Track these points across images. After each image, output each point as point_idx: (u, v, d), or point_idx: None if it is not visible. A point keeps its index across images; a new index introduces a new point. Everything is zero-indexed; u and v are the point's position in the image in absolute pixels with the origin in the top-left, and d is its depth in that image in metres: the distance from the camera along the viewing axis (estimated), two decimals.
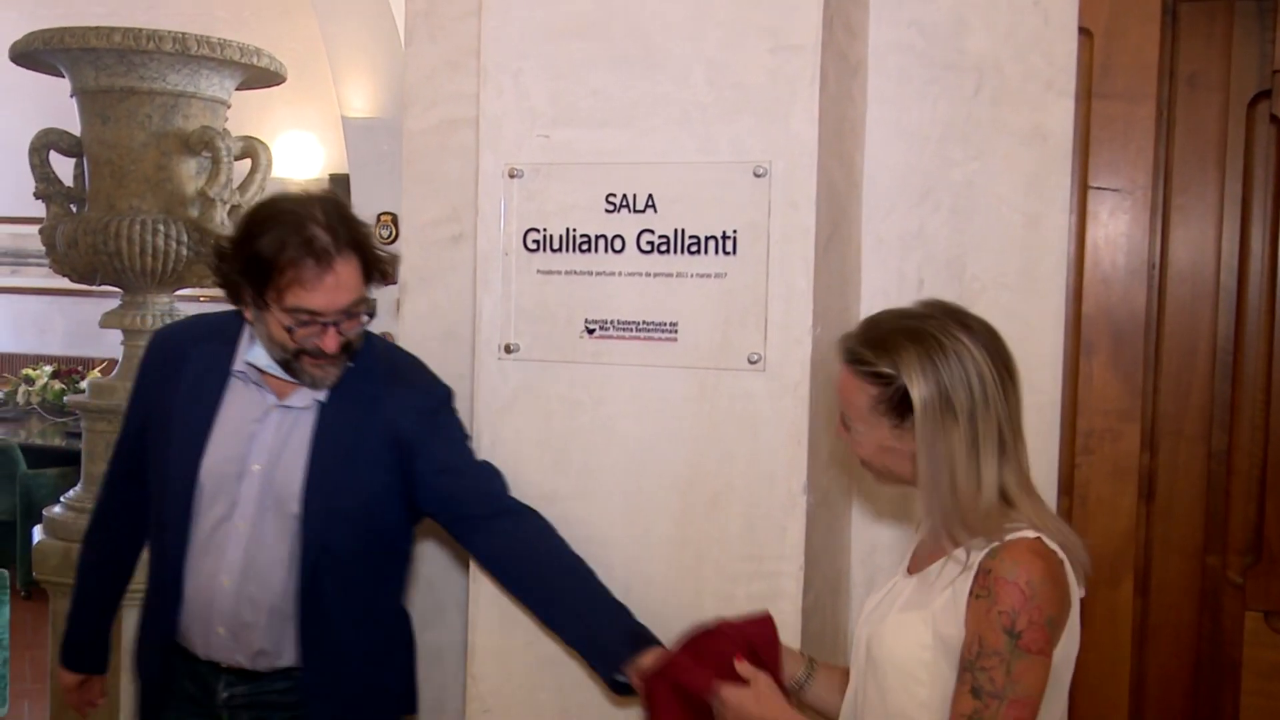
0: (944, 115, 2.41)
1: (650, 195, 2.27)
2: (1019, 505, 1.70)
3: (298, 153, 8.89)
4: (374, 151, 8.01)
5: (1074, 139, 2.40)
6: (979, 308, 1.85)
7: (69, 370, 8.19)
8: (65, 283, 4.28)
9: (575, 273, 2.33)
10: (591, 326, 2.32)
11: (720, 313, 2.24)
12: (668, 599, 2.28)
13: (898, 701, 1.74)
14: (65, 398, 7.69)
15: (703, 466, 2.26)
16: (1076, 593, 1.70)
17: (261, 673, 2.34)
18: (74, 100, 3.85)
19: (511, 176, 2.35)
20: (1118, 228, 2.54)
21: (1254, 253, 2.53)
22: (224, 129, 3.86)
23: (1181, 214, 2.55)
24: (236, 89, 3.96)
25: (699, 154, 2.25)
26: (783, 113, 2.20)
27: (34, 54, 3.75)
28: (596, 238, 2.31)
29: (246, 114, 4.57)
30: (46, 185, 3.92)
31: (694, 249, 2.25)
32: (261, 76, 3.98)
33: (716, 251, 2.24)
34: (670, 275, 2.27)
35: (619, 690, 2.20)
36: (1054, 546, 1.67)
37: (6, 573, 4.76)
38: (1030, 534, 1.67)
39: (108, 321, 4.02)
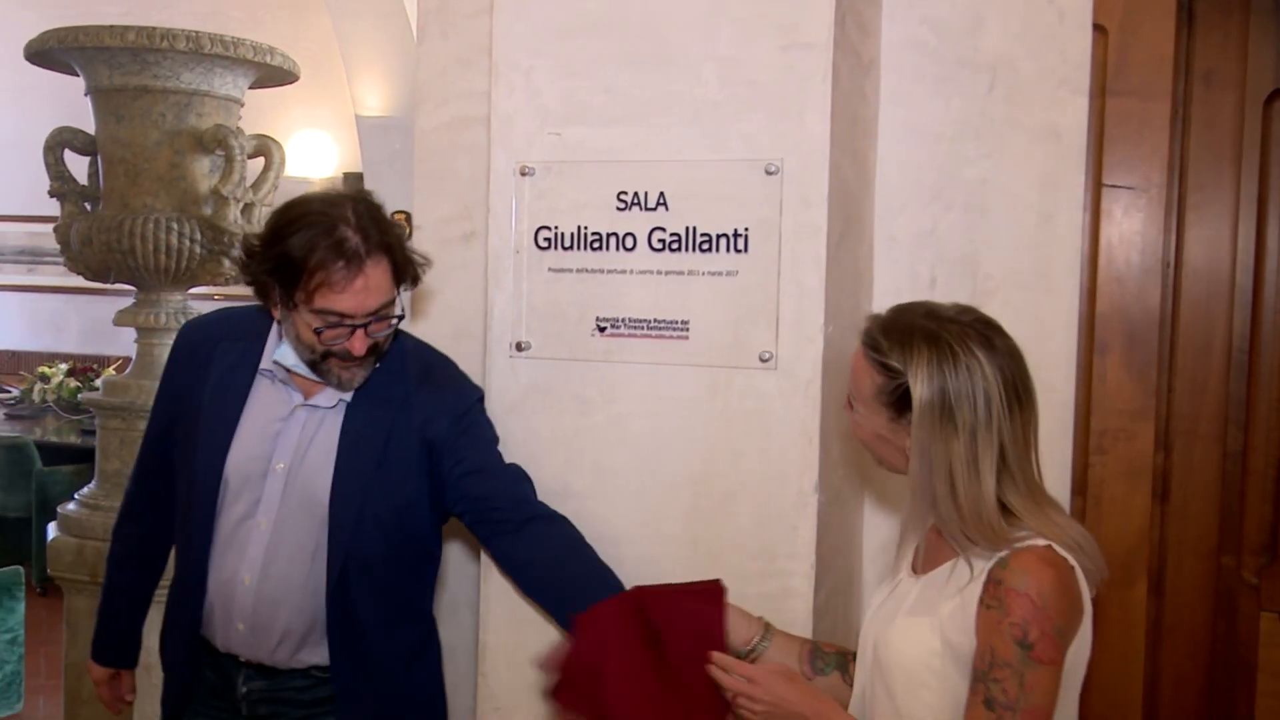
0: (957, 113, 2.40)
1: (662, 193, 2.27)
2: (1023, 516, 1.69)
3: (312, 151, 8.90)
4: (387, 150, 8.02)
5: (1088, 136, 2.38)
6: (992, 307, 1.84)
7: (84, 368, 8.22)
8: (81, 281, 4.28)
9: (587, 271, 2.32)
10: (603, 325, 2.32)
11: (732, 311, 2.23)
12: None
13: (907, 705, 1.74)
14: (80, 395, 7.72)
15: (714, 465, 2.25)
16: (1088, 599, 1.69)
17: (280, 669, 2.34)
18: (88, 99, 3.86)
19: (523, 174, 2.35)
20: (1132, 226, 2.53)
21: (1270, 251, 2.52)
22: (237, 127, 3.87)
23: (1197, 212, 2.54)
24: (250, 88, 3.97)
25: (711, 152, 2.24)
26: (795, 110, 2.19)
27: (49, 53, 3.76)
28: (608, 236, 2.31)
29: (261, 113, 4.58)
30: (61, 184, 3.93)
31: (705, 247, 2.25)
32: (275, 75, 3.99)
33: (728, 249, 2.23)
34: (682, 273, 2.26)
35: None
36: (1064, 554, 1.66)
37: (21, 569, 4.77)
38: (1040, 542, 1.66)
39: (122, 320, 4.03)
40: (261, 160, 3.95)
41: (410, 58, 7.88)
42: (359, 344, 2.17)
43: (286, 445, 2.28)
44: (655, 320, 2.28)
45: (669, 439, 2.28)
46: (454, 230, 2.67)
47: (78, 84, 3.88)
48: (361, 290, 2.13)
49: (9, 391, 8.46)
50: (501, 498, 2.29)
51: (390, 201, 7.15)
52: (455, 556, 2.72)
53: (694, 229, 2.25)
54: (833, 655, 2.02)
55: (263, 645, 2.32)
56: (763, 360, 2.21)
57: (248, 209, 3.83)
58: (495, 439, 2.36)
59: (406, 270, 2.22)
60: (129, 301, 4.03)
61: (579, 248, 2.32)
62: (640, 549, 2.30)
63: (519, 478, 2.31)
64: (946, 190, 2.41)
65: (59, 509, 4.16)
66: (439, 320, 2.71)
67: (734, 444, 2.24)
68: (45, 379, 8.08)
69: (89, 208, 3.96)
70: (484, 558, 2.40)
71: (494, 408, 2.39)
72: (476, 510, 2.30)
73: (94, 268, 3.91)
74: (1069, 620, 1.65)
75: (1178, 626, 2.57)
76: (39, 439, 7.10)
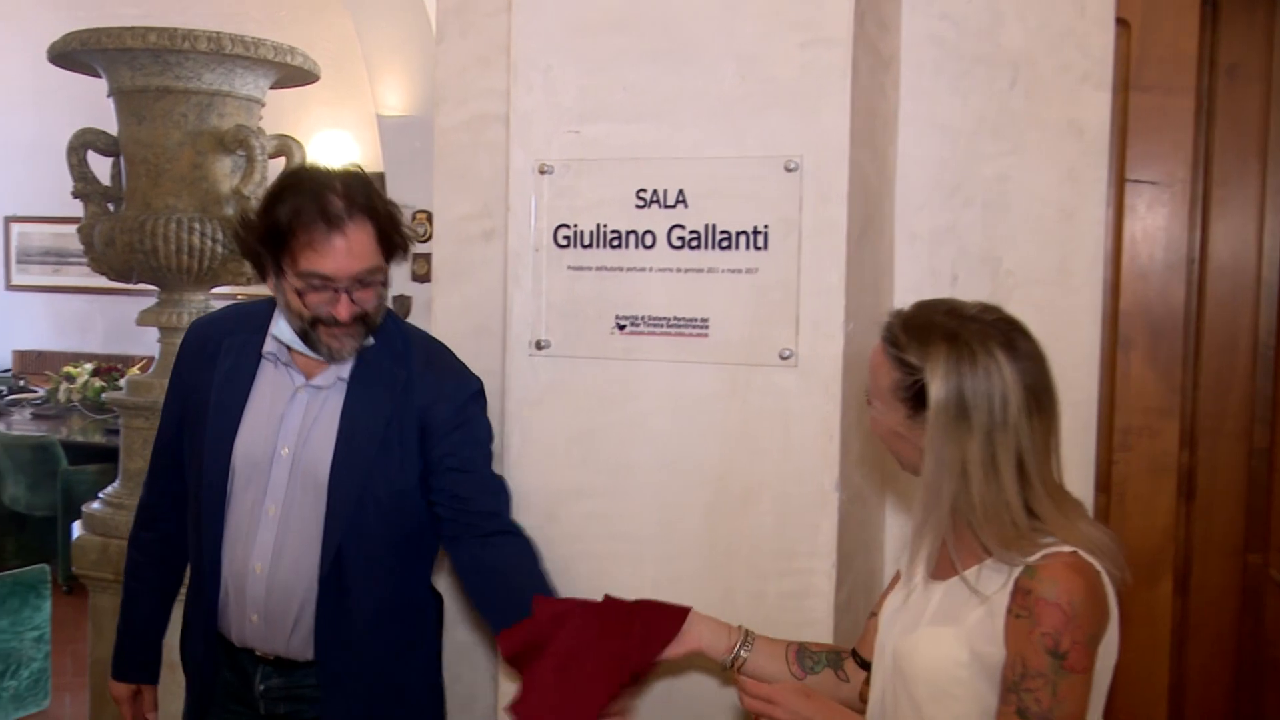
0: (977, 109, 2.38)
1: (681, 190, 2.26)
2: (1046, 520, 1.67)
3: (333, 151, 8.93)
4: (408, 149, 8.05)
5: (1110, 132, 2.36)
6: (1013, 303, 1.83)
7: (109, 368, 8.26)
8: (105, 281, 4.30)
9: (606, 269, 2.32)
10: (622, 322, 2.31)
11: (752, 308, 2.23)
12: (698, 596, 2.27)
13: (932, 714, 1.72)
14: (105, 395, 7.76)
15: (734, 463, 2.25)
16: (1114, 604, 1.68)
17: (298, 664, 2.34)
18: (111, 100, 3.87)
19: (542, 172, 2.35)
20: (1156, 221, 2.51)
21: None
22: (259, 128, 3.88)
23: (1221, 207, 2.52)
24: (271, 88, 3.98)
25: (730, 149, 2.23)
26: (814, 107, 2.18)
27: (71, 55, 3.78)
28: (627, 233, 2.30)
29: (283, 113, 4.59)
30: (84, 185, 3.94)
31: (725, 244, 2.24)
32: (295, 75, 3.99)
33: (748, 247, 2.23)
34: (701, 271, 2.26)
35: None
36: (1091, 560, 1.65)
37: (48, 567, 4.80)
38: (1066, 549, 1.64)
39: (145, 319, 4.04)
40: (283, 160, 3.95)
41: (430, 57, 7.90)
42: (344, 309, 2.18)
43: (290, 429, 2.29)
44: (675, 318, 2.28)
45: (689, 437, 2.27)
46: (474, 228, 2.67)
47: (100, 85, 3.90)
48: (343, 252, 2.15)
49: (35, 391, 8.52)
50: (478, 503, 2.30)
51: (411, 200, 7.22)
52: None
53: (713, 226, 2.25)
54: (822, 654, 2.02)
55: (277, 636, 2.33)
56: (783, 358, 2.21)
57: None
58: (489, 439, 2.37)
59: (392, 238, 2.23)
60: (152, 301, 4.05)
61: (598, 245, 2.32)
62: (659, 547, 2.30)
63: (498, 489, 2.34)
64: (967, 186, 2.40)
65: (83, 508, 4.18)
66: (459, 318, 2.71)
67: (754, 442, 2.23)
68: (70, 379, 8.14)
69: (112, 208, 3.97)
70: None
71: (513, 405, 2.39)
72: (451, 507, 2.31)
73: (117, 268, 3.93)
74: (1099, 627, 1.63)
75: (1204, 625, 2.55)
76: (64, 438, 7.14)
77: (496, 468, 2.40)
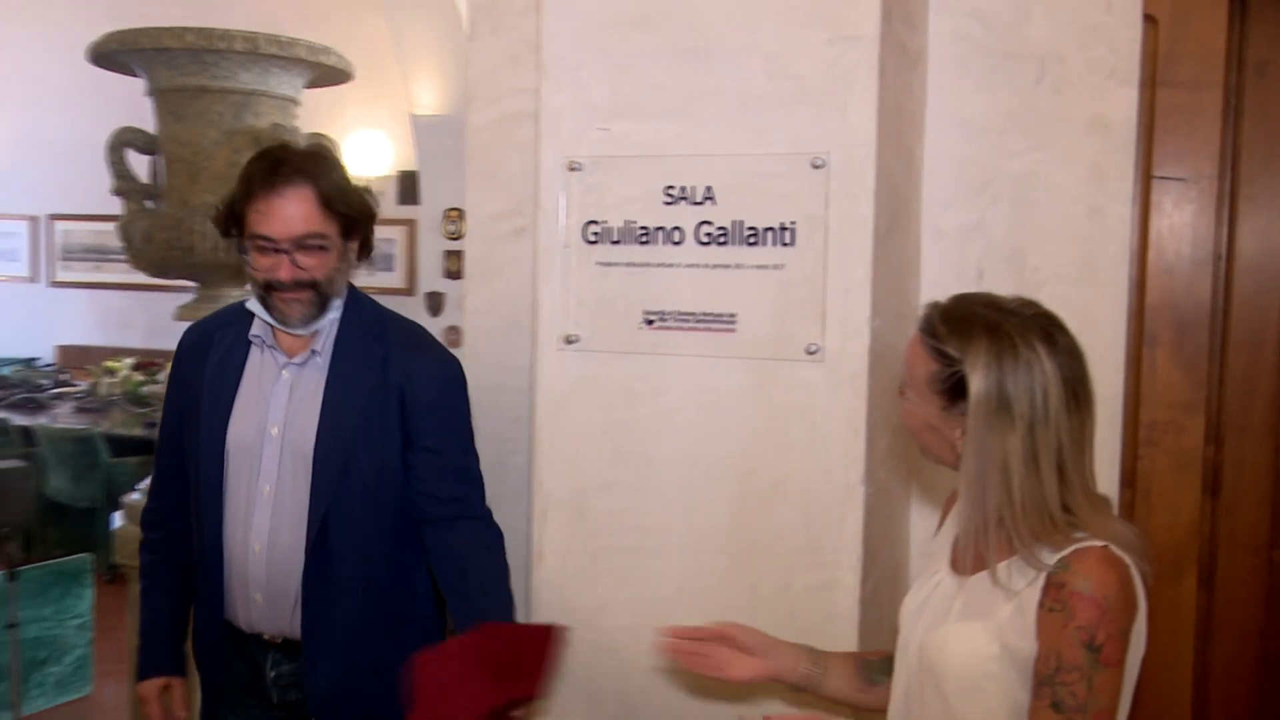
0: (1004, 105, 2.36)
1: (709, 187, 2.26)
2: (1079, 517, 1.65)
3: (368, 150, 8.97)
4: (441, 147, 8.07)
5: (1138, 128, 2.34)
6: (1040, 299, 1.80)
7: (148, 362, 8.33)
8: (145, 278, 4.33)
9: (634, 264, 2.31)
10: (650, 318, 2.31)
11: (779, 304, 2.22)
12: (724, 589, 2.27)
13: (962, 709, 1.70)
14: (144, 389, 7.82)
15: (760, 457, 2.24)
16: (1143, 598, 1.66)
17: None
18: (149, 99, 3.89)
19: (571, 170, 2.34)
20: (1182, 218, 2.48)
21: None
22: (294, 126, 3.89)
23: (1249, 204, 2.49)
24: (306, 87, 3.99)
25: (757, 146, 2.22)
26: (841, 104, 2.17)
27: (110, 55, 3.80)
28: (655, 230, 2.29)
29: (319, 112, 4.60)
30: (124, 183, 3.97)
31: (752, 240, 2.23)
32: (330, 75, 4.01)
33: (775, 243, 2.22)
34: (729, 267, 2.25)
35: None
36: (1121, 554, 1.63)
37: (90, 557, 4.85)
38: (1098, 544, 1.62)
39: (183, 315, 4.06)
40: None
41: (463, 56, 7.92)
42: (285, 271, 2.23)
43: (278, 409, 2.33)
44: (703, 313, 2.27)
45: (716, 431, 2.27)
46: (505, 225, 2.68)
47: (137, 85, 3.92)
48: (282, 213, 2.21)
49: (77, 385, 8.60)
50: (447, 488, 2.34)
51: (445, 198, 7.26)
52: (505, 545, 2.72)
53: (741, 223, 2.24)
54: (878, 662, 1.98)
55: (280, 615, 2.34)
56: (809, 353, 2.19)
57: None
58: (467, 424, 2.41)
59: (335, 201, 2.26)
60: (191, 297, 4.07)
61: (627, 241, 2.31)
62: (687, 541, 2.29)
63: (469, 475, 2.37)
64: (994, 183, 2.38)
65: (123, 499, 4.21)
66: (490, 313, 2.71)
67: (780, 436, 2.22)
68: (111, 373, 8.21)
69: (150, 206, 4.00)
70: (534, 550, 2.40)
71: (542, 400, 2.38)
72: (421, 488, 2.34)
73: (156, 264, 3.95)
74: (1130, 620, 1.62)
75: (1228, 622, 2.52)
76: (106, 431, 7.19)
77: (525, 461, 2.40)
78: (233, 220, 2.29)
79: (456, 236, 8.46)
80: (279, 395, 2.33)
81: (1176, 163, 2.47)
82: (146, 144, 3.99)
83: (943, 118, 2.40)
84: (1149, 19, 2.38)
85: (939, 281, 2.39)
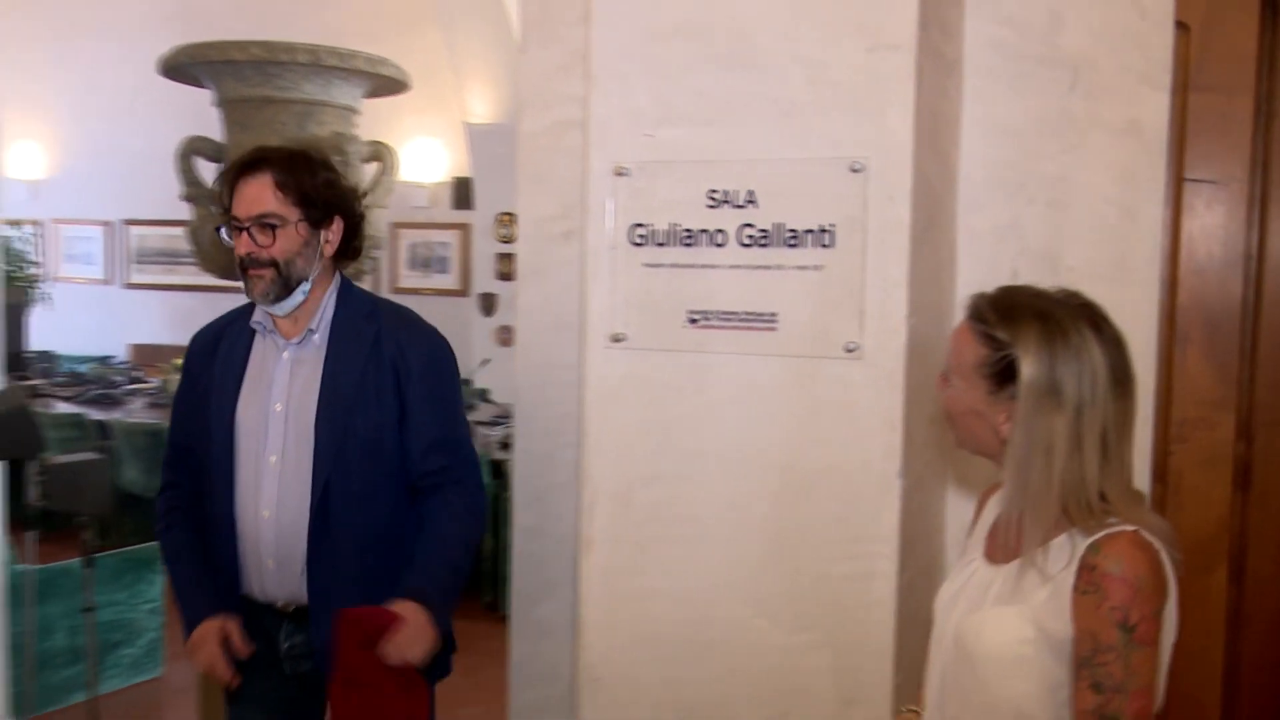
0: (1038, 110, 2.34)
1: (751, 191, 2.25)
2: (1114, 503, 1.64)
3: (425, 157, 9.02)
4: (494, 155, 8.10)
5: (1169, 132, 2.31)
6: None
7: None
8: (213, 279, 4.38)
9: (679, 266, 2.32)
10: (694, 317, 2.31)
11: (818, 303, 2.21)
12: (766, 577, 2.27)
13: (1000, 692, 1.69)
14: None
15: (801, 450, 2.23)
16: (1173, 581, 1.65)
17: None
18: (217, 110, 3.93)
19: (618, 175, 2.35)
20: (1214, 219, 2.45)
21: None
22: (354, 134, 3.92)
23: None
24: (366, 97, 4.02)
25: (798, 150, 2.22)
26: (879, 110, 2.16)
27: (181, 67, 3.84)
28: (699, 232, 2.30)
29: (378, 121, 4.63)
30: (193, 189, 4.01)
31: (793, 242, 2.23)
32: (388, 85, 4.03)
33: (815, 244, 2.21)
34: (770, 267, 2.24)
35: None
36: (1150, 538, 1.62)
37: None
38: (1128, 528, 1.62)
39: None
40: (376, 165, 3.99)
41: (515, 67, 7.95)
42: (243, 245, 2.38)
43: (281, 388, 2.44)
44: (745, 312, 2.27)
45: (758, 425, 2.27)
46: (554, 229, 2.69)
47: (203, 95, 3.96)
48: (245, 195, 2.38)
49: (149, 382, 8.70)
50: (431, 459, 2.43)
51: (497, 203, 7.27)
52: (553, 537, 2.74)
53: (782, 225, 2.23)
54: None
55: (290, 579, 2.41)
56: (848, 350, 2.19)
57: (364, 211, 3.88)
58: (455, 399, 2.51)
59: (289, 187, 2.38)
60: None
61: (672, 244, 2.32)
62: (730, 530, 2.29)
63: (446, 445, 2.44)
64: (1028, 185, 2.36)
65: None
66: (541, 313, 2.72)
67: (820, 431, 2.22)
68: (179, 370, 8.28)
69: (217, 211, 4.03)
70: (582, 540, 2.41)
71: (591, 395, 2.39)
72: (410, 454, 2.44)
73: (222, 267, 3.98)
74: (1162, 602, 1.61)
75: (1258, 614, 2.49)
76: None
77: (574, 456, 2.41)
78: (225, 212, 2.45)
79: (509, 240, 8.49)
80: (281, 375, 2.44)
81: (1207, 165, 2.43)
82: (214, 152, 4.03)
83: (978, 122, 2.39)
84: (1181, 25, 2.35)
85: (975, 281, 2.36)
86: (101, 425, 7.30)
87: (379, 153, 3.99)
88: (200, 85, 3.99)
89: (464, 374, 9.57)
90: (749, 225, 2.26)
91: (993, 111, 2.38)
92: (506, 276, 8.61)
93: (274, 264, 2.38)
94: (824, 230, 2.20)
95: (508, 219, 8.43)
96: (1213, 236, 2.45)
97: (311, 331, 2.44)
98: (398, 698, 2.27)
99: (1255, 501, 2.48)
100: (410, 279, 9.50)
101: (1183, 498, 2.47)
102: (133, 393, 8.37)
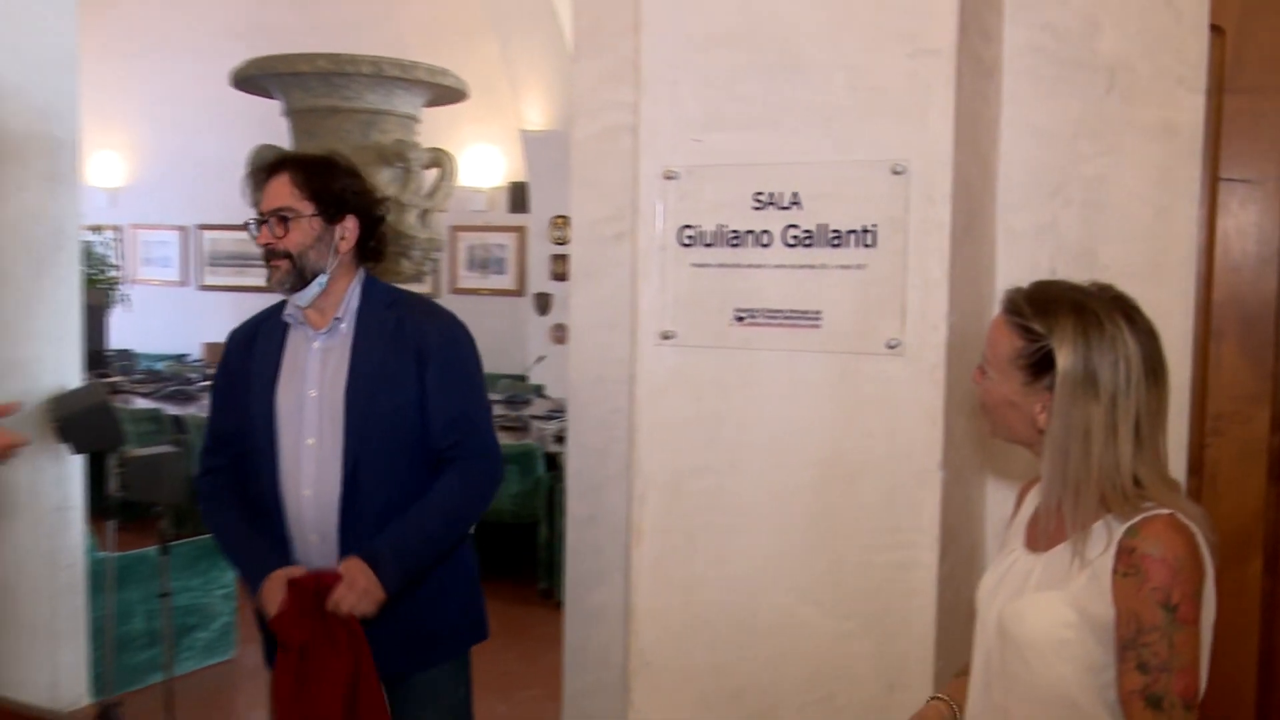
0: (1075, 113, 2.32)
1: (795, 193, 2.25)
2: (1149, 488, 1.63)
3: (483, 163, 9.07)
4: (548, 160, 8.13)
5: (1204, 133, 2.28)
6: None
7: None
8: None
9: (726, 265, 2.32)
10: (741, 315, 2.31)
11: (861, 301, 2.20)
12: (810, 565, 2.26)
13: (1043, 676, 1.68)
14: None
15: (843, 444, 2.23)
16: (1210, 563, 1.63)
17: None
18: (285, 119, 3.98)
19: (668, 178, 2.35)
20: (1248, 218, 2.41)
21: None
22: (415, 142, 3.95)
23: None
24: (426, 106, 4.05)
25: (841, 154, 2.21)
26: (920, 114, 2.15)
27: (251, 79, 3.90)
28: (745, 233, 2.29)
29: (438, 129, 4.67)
30: None
31: (836, 242, 2.22)
32: (448, 94, 4.06)
33: (857, 244, 2.20)
34: (814, 267, 2.24)
35: None
36: (1187, 521, 1.60)
37: None
38: (1164, 511, 1.60)
39: None
40: (436, 171, 4.02)
41: (566, 77, 7.98)
42: (262, 235, 2.47)
43: (314, 375, 2.50)
44: (789, 310, 2.26)
45: (802, 419, 2.26)
46: (606, 230, 2.69)
47: (276, 106, 4.01)
48: (268, 193, 2.48)
49: (216, 377, 8.78)
50: (445, 435, 2.49)
51: (552, 207, 7.29)
52: (606, 526, 2.74)
53: (825, 226, 2.23)
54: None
55: (332, 551, 2.46)
56: (890, 347, 2.18)
57: (424, 214, 3.92)
58: (472, 380, 2.55)
59: (304, 185, 2.47)
60: None
61: (719, 244, 2.32)
62: (775, 520, 2.29)
63: (461, 422, 2.49)
64: (1066, 186, 2.34)
65: None
66: (593, 312, 2.73)
67: (862, 425, 2.21)
68: None
69: None
70: (634, 529, 2.42)
71: (641, 390, 2.40)
72: (430, 433, 2.49)
73: None
74: (1201, 582, 1.60)
75: None
76: None
77: (626, 449, 2.42)
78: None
79: (562, 241, 8.51)
80: (313, 363, 2.51)
81: (1242, 165, 2.40)
82: None
83: (1017, 125, 2.37)
84: (1215, 29, 2.32)
85: (1013, 279, 2.32)
86: (177, 420, 7.39)
87: (439, 159, 4.02)
88: (270, 96, 4.04)
89: (520, 370, 9.59)
90: (793, 226, 2.25)
91: (1031, 114, 2.36)
92: (560, 277, 8.63)
93: (289, 255, 2.46)
94: (866, 230, 2.19)
95: (561, 222, 8.45)
96: (1247, 234, 2.42)
97: (338, 321, 2.51)
98: (332, 657, 2.34)
99: None
100: (469, 279, 9.56)
101: (1219, 490, 2.44)
102: (206, 389, 8.45)
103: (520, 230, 9.22)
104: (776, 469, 2.28)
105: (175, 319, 10.83)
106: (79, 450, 4.07)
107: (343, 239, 2.50)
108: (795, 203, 2.25)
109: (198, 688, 4.52)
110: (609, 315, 2.68)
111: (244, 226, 2.53)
